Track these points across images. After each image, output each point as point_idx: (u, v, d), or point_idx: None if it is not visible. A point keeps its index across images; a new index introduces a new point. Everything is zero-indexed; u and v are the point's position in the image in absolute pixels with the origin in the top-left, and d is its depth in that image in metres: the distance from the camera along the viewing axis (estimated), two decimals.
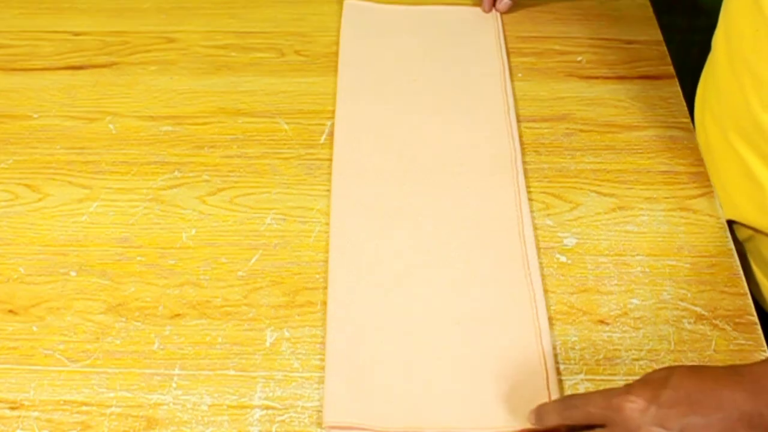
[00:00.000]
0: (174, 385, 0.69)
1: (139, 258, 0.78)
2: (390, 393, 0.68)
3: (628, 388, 0.59)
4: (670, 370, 0.60)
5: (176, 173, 0.85)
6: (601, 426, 0.59)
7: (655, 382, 0.59)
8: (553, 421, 0.63)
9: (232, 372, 0.70)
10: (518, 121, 0.89)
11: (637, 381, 0.60)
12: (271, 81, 0.95)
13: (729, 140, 0.78)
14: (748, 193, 0.77)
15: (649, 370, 0.68)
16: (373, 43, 0.98)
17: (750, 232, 0.80)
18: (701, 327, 0.72)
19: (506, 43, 0.98)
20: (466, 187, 0.81)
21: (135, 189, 0.84)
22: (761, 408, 0.56)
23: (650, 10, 1.02)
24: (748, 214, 0.78)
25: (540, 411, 0.64)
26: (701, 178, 0.84)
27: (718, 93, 0.79)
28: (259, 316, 0.73)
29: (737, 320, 0.72)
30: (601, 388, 0.68)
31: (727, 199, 0.80)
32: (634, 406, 0.57)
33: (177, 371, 0.70)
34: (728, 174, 0.79)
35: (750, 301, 0.74)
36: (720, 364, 0.69)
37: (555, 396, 0.67)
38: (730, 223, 0.81)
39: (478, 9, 1.02)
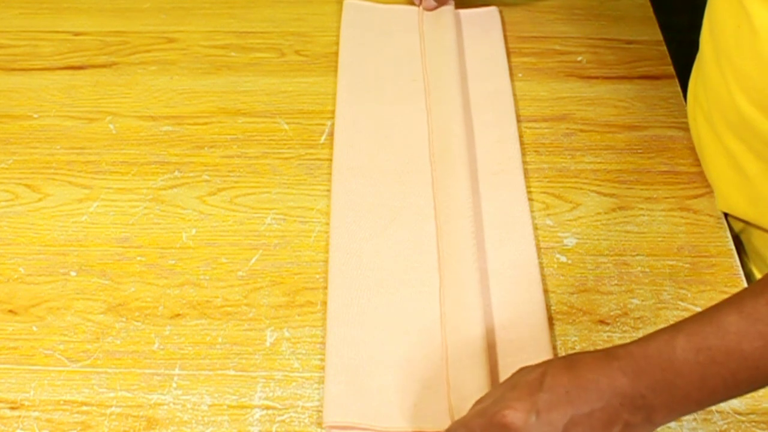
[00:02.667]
0: (174, 385, 0.69)
1: (139, 258, 0.78)
2: (390, 393, 0.68)
3: (502, 402, 0.57)
4: (543, 368, 0.58)
5: (176, 173, 0.85)
6: None
7: (529, 386, 0.57)
8: None
9: (232, 372, 0.70)
10: (518, 121, 0.89)
11: (509, 385, 0.58)
12: (271, 81, 0.95)
13: (718, 134, 0.78)
14: (738, 186, 0.77)
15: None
16: (373, 43, 0.98)
17: (742, 224, 0.81)
18: None
19: (506, 43, 0.98)
20: (466, 187, 0.81)
21: (135, 189, 0.84)
22: (641, 390, 0.55)
23: (650, 10, 1.02)
24: (739, 206, 0.79)
25: None
26: (701, 178, 0.84)
27: (706, 88, 0.80)
28: (259, 316, 0.73)
29: None
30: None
31: (719, 193, 0.81)
32: (514, 419, 0.55)
33: (177, 371, 0.70)
34: (719, 167, 0.80)
35: None
36: None
37: None
38: (725, 216, 0.81)
39: (477, 9, 1.02)
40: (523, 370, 0.59)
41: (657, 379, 0.56)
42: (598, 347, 0.71)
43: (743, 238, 0.82)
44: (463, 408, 0.65)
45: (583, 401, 0.56)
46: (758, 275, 0.81)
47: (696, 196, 0.83)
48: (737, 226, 0.82)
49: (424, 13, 1.00)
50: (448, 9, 0.99)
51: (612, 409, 0.55)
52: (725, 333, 0.56)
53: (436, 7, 0.99)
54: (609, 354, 0.58)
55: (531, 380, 0.57)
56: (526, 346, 0.70)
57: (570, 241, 0.79)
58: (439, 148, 0.84)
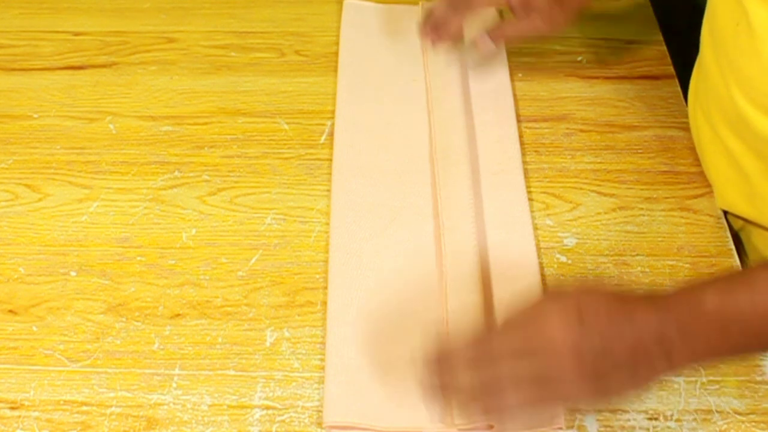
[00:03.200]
0: (174, 385, 0.69)
1: (139, 258, 0.78)
2: (390, 393, 0.68)
3: (543, 317, 0.60)
4: (575, 299, 0.60)
5: (176, 173, 0.85)
6: None
7: (570, 313, 0.59)
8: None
9: (232, 372, 0.70)
10: (518, 121, 0.89)
11: (546, 310, 0.61)
12: (271, 81, 0.95)
13: (718, 133, 0.78)
14: (737, 185, 0.78)
15: None
16: (373, 43, 0.98)
17: (741, 222, 0.81)
18: None
19: (506, 43, 0.98)
20: (467, 186, 0.81)
21: (135, 189, 0.84)
22: (667, 328, 0.58)
23: (650, 10, 1.02)
24: (738, 204, 0.79)
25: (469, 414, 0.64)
26: (701, 178, 0.84)
27: (706, 87, 0.81)
28: (259, 316, 0.73)
29: None
30: None
31: (718, 191, 0.81)
32: (558, 328, 0.59)
33: (177, 371, 0.70)
34: (718, 166, 0.80)
35: None
36: (720, 364, 0.69)
37: None
38: (725, 213, 0.81)
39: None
40: (547, 302, 0.62)
41: (683, 321, 0.59)
42: None
43: (742, 236, 0.83)
44: (463, 405, 0.65)
45: (618, 329, 0.59)
46: None
47: (696, 196, 0.83)
48: (737, 224, 0.82)
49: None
50: None
51: (639, 335, 0.59)
52: (754, 291, 0.59)
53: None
54: (645, 297, 0.61)
55: (569, 308, 0.60)
56: None
57: (570, 241, 0.79)
58: (440, 148, 0.84)
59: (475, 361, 0.61)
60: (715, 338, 0.59)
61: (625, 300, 0.61)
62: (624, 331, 0.59)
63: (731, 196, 0.79)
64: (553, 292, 0.64)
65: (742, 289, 0.60)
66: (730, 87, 0.74)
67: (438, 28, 0.88)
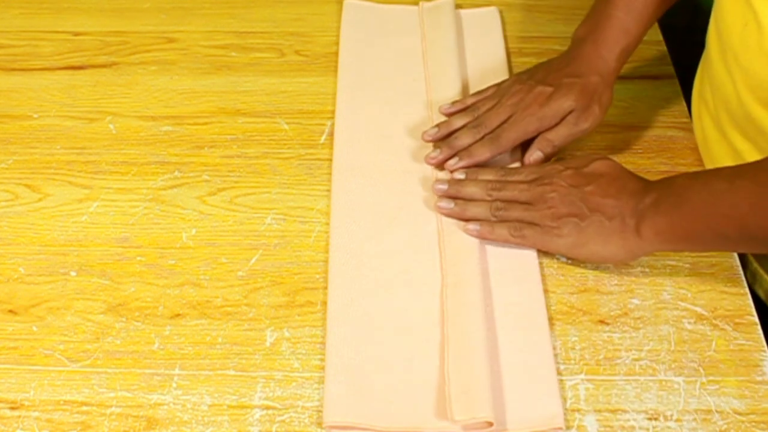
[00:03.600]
0: (174, 385, 0.69)
1: (139, 258, 0.78)
2: (390, 393, 0.68)
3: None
4: (597, 160, 0.76)
5: (176, 173, 0.85)
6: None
7: (575, 164, 0.76)
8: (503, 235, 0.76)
9: (232, 372, 0.70)
10: None
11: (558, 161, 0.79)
12: (271, 81, 0.95)
13: (724, 132, 0.78)
14: None
15: (650, 370, 0.69)
16: (373, 43, 0.98)
17: None
18: (701, 327, 0.72)
19: (507, 43, 0.98)
20: None
21: (135, 189, 0.84)
22: (644, 202, 0.71)
23: None
24: None
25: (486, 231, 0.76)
26: None
27: (712, 86, 0.80)
28: (259, 316, 0.73)
29: (737, 320, 0.72)
30: (601, 388, 0.68)
31: None
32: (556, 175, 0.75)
33: (177, 371, 0.70)
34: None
35: (750, 301, 0.74)
36: (720, 364, 0.70)
37: (559, 398, 0.67)
38: None
39: (478, 9, 1.02)
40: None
41: (656, 197, 0.70)
42: (598, 347, 0.71)
43: None
44: (463, 406, 0.65)
45: (608, 195, 0.72)
46: (762, 272, 0.81)
47: None
48: None
49: (425, 13, 1.00)
50: (449, 8, 0.99)
51: (620, 213, 0.71)
52: (716, 179, 0.68)
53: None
54: (638, 176, 0.74)
55: (576, 160, 0.77)
56: (527, 346, 0.70)
57: None
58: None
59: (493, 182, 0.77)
60: (674, 214, 0.68)
61: (625, 173, 0.74)
62: (610, 196, 0.71)
63: None
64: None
65: (706, 176, 0.70)
66: (738, 87, 0.74)
67: (459, 153, 0.82)
